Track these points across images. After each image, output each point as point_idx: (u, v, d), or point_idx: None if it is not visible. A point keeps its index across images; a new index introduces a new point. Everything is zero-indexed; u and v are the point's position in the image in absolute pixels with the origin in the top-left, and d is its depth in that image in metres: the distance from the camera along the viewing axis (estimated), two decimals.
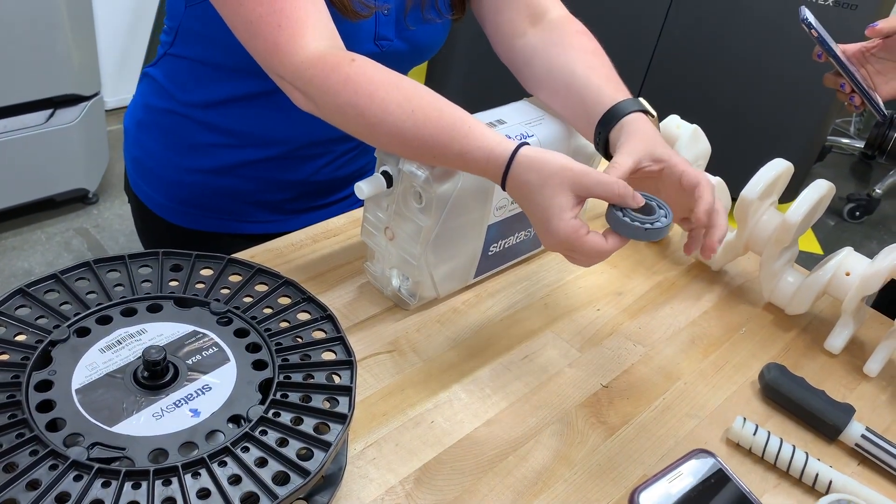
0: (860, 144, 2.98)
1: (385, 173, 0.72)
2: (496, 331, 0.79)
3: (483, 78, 2.13)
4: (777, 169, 0.84)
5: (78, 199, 2.22)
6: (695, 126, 0.90)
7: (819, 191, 0.82)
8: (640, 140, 0.68)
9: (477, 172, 0.67)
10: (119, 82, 2.60)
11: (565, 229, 0.62)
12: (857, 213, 2.67)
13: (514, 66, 0.85)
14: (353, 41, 0.76)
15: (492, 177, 0.66)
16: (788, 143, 2.33)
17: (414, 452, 0.65)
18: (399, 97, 0.66)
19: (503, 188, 0.65)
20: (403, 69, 0.90)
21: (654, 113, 0.74)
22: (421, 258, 0.74)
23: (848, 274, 0.82)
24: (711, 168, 0.92)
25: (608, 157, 0.74)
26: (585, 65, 0.77)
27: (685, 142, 0.89)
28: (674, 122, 0.91)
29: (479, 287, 0.84)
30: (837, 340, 0.83)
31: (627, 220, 0.62)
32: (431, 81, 2.54)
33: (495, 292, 0.84)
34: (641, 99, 0.73)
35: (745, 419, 0.70)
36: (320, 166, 0.96)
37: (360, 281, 0.82)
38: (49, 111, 1.98)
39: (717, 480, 0.61)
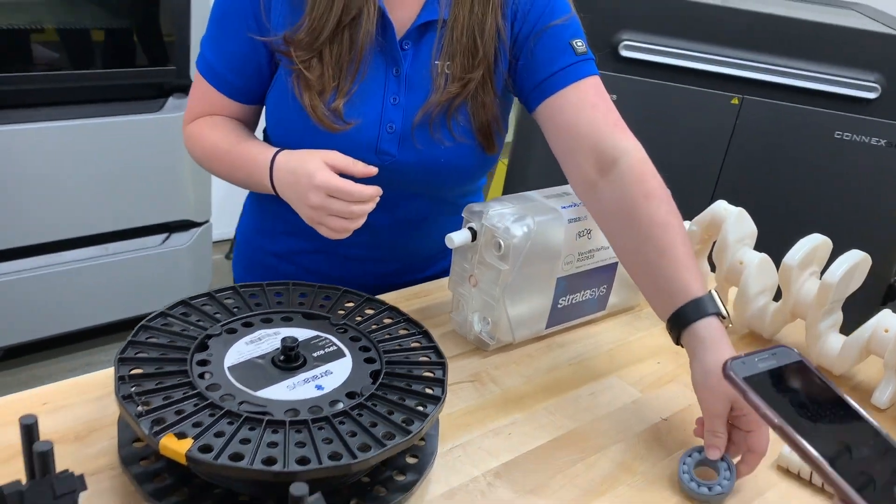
0: None
1: (471, 229, 0.87)
2: (565, 373, 0.90)
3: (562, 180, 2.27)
4: (815, 241, 0.96)
5: None
6: (740, 209, 1.03)
7: (854, 258, 0.92)
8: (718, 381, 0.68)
9: (263, 182, 0.88)
10: (223, 215, 2.89)
11: (321, 173, 0.79)
12: None
13: (590, 210, 0.89)
14: (353, 151, 0.86)
15: (268, 179, 0.87)
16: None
17: (494, 455, 0.75)
18: (213, 155, 0.95)
19: (272, 185, 0.86)
20: (424, 182, 0.96)
21: (726, 313, 0.76)
22: (500, 300, 0.87)
23: (887, 331, 0.90)
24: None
25: (677, 342, 0.77)
26: (661, 242, 0.78)
27: (731, 222, 1.02)
28: (721, 205, 1.04)
29: (549, 339, 0.96)
30: (883, 395, 0.90)
31: (694, 484, 0.71)
32: (510, 182, 2.62)
33: (564, 344, 0.96)
34: (714, 291, 0.76)
35: None
36: (363, 271, 1.04)
37: (447, 329, 0.95)
38: (165, 235, 2.25)
39: (799, 368, 0.65)
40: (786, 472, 0.78)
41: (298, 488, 0.48)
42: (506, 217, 0.85)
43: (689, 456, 0.74)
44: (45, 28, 1.92)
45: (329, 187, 0.78)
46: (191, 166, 2.17)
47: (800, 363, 0.65)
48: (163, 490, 0.62)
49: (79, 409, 0.73)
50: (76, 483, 0.51)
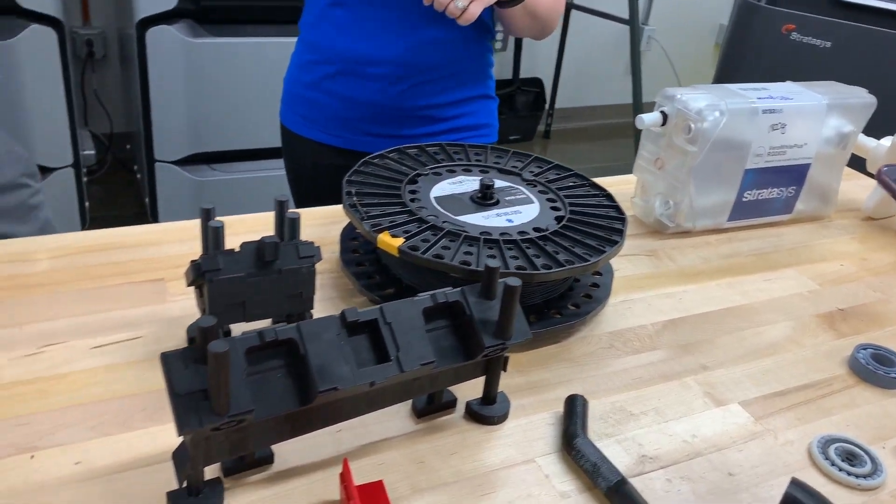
0: None
1: (663, 112, 0.91)
2: (742, 261, 0.92)
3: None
4: None
5: None
6: None
7: None
8: None
9: None
10: None
11: None
12: None
13: None
14: None
15: None
16: None
17: (664, 312, 0.80)
18: None
19: None
20: None
21: None
22: (685, 183, 0.90)
23: None
24: None
25: None
26: None
27: None
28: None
29: (730, 233, 0.98)
30: None
31: (871, 367, 0.73)
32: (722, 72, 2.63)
33: (746, 238, 0.98)
34: None
35: None
36: (377, 90, 1.14)
37: (628, 214, 1.00)
38: None
39: None
40: None
41: (494, 262, 0.57)
42: (698, 100, 0.88)
43: (865, 349, 0.75)
44: None
45: None
46: None
47: None
48: (373, 286, 0.73)
49: (307, 231, 0.87)
50: (314, 250, 0.63)
